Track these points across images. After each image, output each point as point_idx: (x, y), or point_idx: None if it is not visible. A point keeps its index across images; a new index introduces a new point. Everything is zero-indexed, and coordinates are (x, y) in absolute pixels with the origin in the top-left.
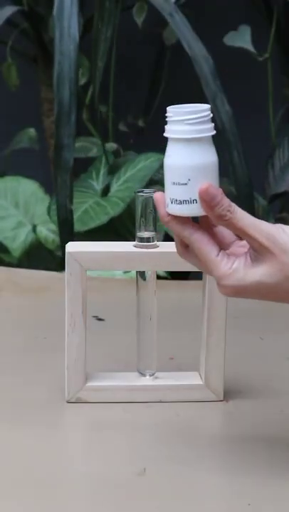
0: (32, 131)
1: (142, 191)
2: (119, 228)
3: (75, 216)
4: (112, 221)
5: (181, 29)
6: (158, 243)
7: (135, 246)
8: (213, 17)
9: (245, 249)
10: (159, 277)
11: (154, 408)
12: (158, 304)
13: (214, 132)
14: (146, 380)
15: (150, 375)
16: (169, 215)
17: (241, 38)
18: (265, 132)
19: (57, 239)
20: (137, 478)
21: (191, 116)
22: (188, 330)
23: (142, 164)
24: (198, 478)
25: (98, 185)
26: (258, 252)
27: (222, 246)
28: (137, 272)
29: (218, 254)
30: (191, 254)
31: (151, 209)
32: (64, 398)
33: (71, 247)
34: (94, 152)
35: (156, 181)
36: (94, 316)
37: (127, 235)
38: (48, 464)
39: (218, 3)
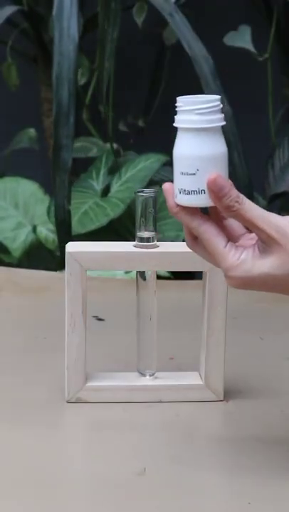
0: (32, 131)
1: (142, 191)
2: (119, 228)
3: (75, 218)
4: (112, 222)
5: (181, 29)
6: (158, 243)
7: (135, 246)
8: (213, 17)
9: (254, 242)
10: (160, 277)
11: (154, 408)
12: (158, 304)
13: (224, 123)
14: (146, 380)
15: (150, 375)
16: (178, 205)
17: (241, 38)
18: (265, 132)
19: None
20: (137, 478)
21: (201, 105)
22: (188, 330)
23: (142, 164)
24: (198, 478)
25: (98, 185)
26: (266, 243)
27: (231, 239)
28: (137, 271)
29: (226, 246)
30: (199, 246)
31: (151, 209)
32: (64, 398)
33: (71, 247)
34: (94, 152)
35: (157, 182)
36: (94, 316)
37: (127, 235)
38: (48, 464)
39: (218, 3)
